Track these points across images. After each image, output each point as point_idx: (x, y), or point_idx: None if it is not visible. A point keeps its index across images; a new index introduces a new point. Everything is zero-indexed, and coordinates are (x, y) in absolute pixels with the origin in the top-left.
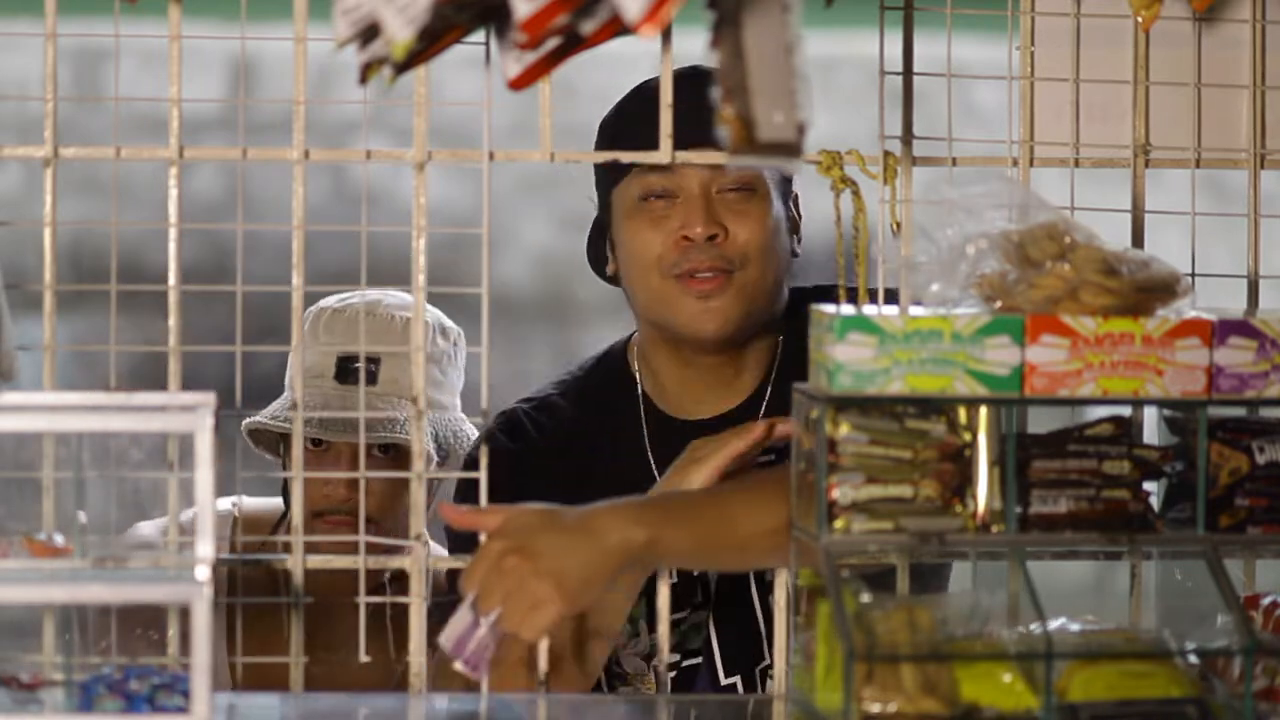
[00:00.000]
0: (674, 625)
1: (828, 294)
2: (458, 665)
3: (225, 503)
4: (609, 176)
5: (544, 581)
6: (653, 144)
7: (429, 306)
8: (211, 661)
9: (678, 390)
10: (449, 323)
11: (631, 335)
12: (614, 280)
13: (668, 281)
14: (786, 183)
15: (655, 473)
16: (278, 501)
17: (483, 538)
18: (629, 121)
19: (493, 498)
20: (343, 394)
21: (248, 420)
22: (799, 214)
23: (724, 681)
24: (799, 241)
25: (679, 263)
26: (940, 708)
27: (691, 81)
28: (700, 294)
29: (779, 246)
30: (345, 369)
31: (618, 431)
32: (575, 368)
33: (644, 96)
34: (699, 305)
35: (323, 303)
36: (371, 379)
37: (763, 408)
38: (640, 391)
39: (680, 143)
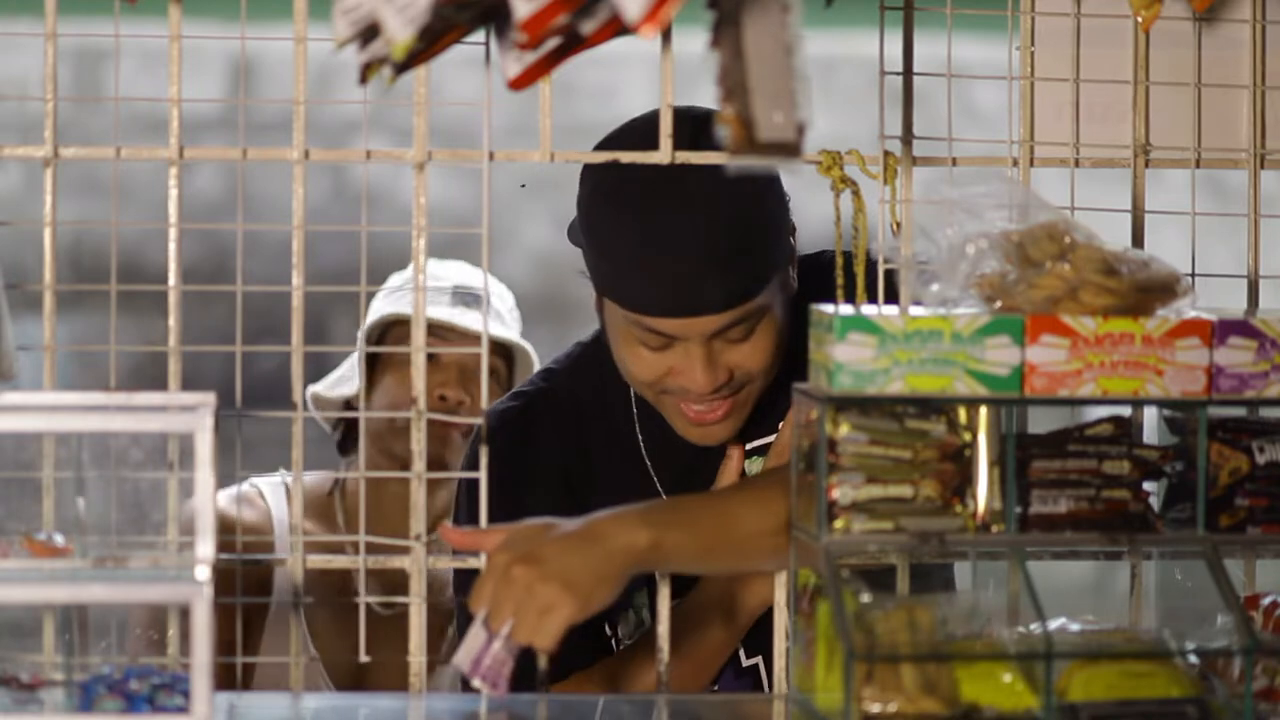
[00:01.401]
0: None
1: (825, 264)
2: (476, 683)
3: (276, 477)
4: (601, 284)
5: (551, 585)
6: (641, 298)
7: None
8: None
9: None
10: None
11: None
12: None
13: (664, 396)
14: (781, 249)
15: (646, 462)
16: (327, 475)
17: (483, 559)
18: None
19: (495, 500)
20: (453, 313)
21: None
22: (794, 226)
23: (745, 663)
24: (794, 235)
25: (676, 392)
26: (940, 708)
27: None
28: (698, 422)
29: (783, 345)
30: (456, 295)
31: (609, 422)
32: (564, 356)
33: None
34: (698, 429)
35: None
36: (476, 302)
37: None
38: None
39: (675, 310)
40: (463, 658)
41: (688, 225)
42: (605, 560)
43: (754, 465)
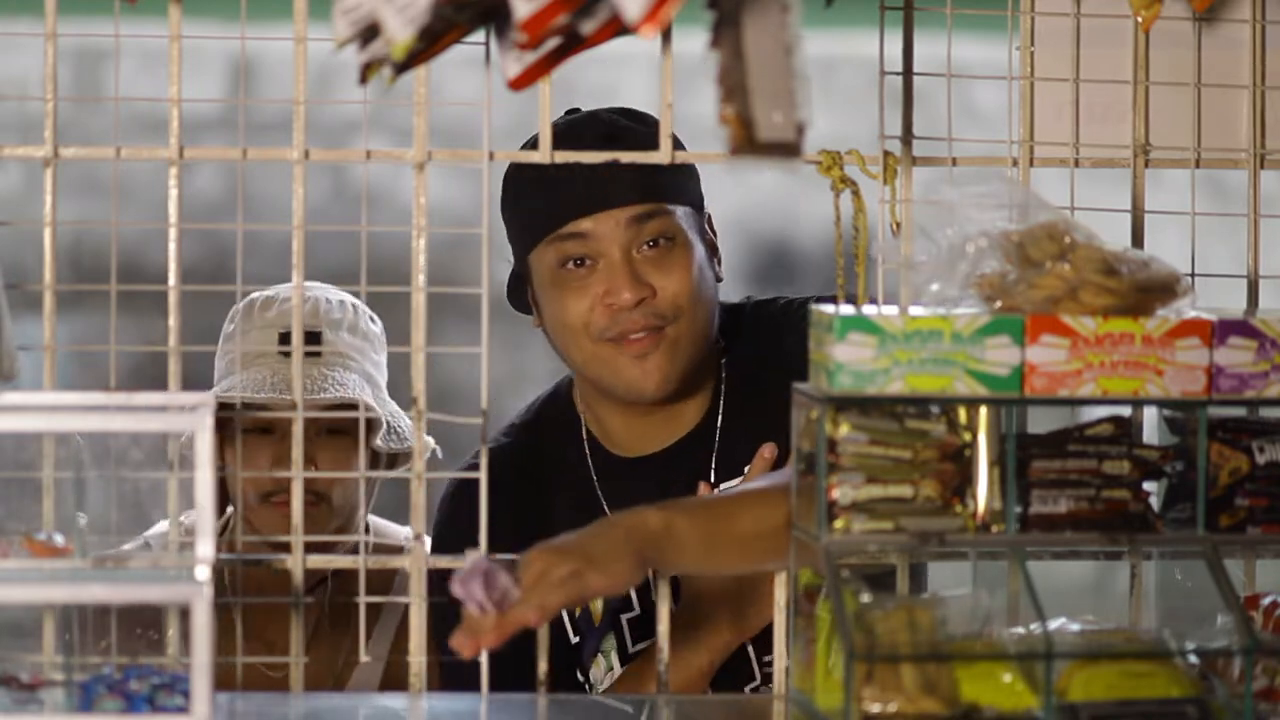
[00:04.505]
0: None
1: (770, 309)
2: (456, 588)
3: (138, 541)
4: (524, 238)
5: (573, 559)
6: (556, 207)
7: (345, 296)
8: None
9: (622, 432)
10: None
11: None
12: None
13: (600, 345)
14: (698, 210)
15: (607, 511)
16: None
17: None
18: (529, 185)
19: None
20: (288, 366)
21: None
22: (714, 232)
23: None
24: (719, 264)
25: (609, 328)
26: (940, 708)
27: (581, 135)
28: (636, 354)
29: (706, 290)
30: (288, 342)
31: (567, 477)
32: (526, 410)
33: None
34: (636, 367)
35: (252, 295)
36: (316, 352)
37: (716, 432)
38: (585, 434)
39: (589, 205)
40: (466, 574)
41: (590, 129)
42: (623, 538)
43: None
